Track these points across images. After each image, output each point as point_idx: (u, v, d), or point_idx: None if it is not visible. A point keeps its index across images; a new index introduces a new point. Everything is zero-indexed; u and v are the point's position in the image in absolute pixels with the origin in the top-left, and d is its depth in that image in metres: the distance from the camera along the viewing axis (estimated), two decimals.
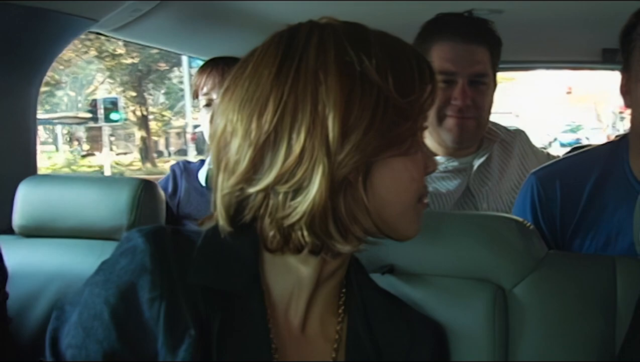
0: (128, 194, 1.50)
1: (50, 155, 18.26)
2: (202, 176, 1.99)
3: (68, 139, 20.45)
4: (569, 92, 20.26)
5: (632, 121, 1.35)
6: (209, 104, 1.89)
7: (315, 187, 0.79)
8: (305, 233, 0.82)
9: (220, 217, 0.86)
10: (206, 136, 1.92)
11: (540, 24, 2.23)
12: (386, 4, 1.92)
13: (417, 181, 0.87)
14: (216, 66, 1.89)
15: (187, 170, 2.03)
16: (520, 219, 1.20)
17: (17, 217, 1.55)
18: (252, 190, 0.82)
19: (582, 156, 1.52)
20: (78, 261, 1.49)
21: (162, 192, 1.59)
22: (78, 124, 19.29)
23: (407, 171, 0.85)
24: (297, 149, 0.79)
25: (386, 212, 0.85)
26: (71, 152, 19.28)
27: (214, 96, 1.87)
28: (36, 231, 1.55)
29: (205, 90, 1.89)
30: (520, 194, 1.54)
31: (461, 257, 1.16)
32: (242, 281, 0.87)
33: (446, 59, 1.63)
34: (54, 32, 1.66)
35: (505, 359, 1.11)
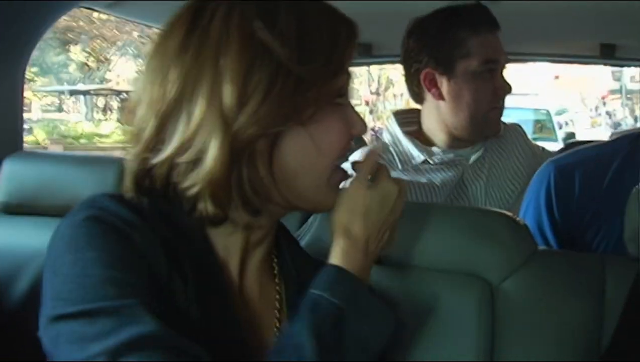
0: (114, 172, 1.48)
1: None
2: None
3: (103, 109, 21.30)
4: (556, 77, 20.93)
5: None
6: None
7: (211, 157, 0.78)
8: (208, 204, 0.81)
9: (127, 183, 0.84)
10: None
11: (537, 16, 2.21)
12: None
13: (327, 151, 0.86)
14: None
15: None
16: (511, 215, 1.19)
17: (1, 194, 1.53)
18: (155, 160, 0.81)
19: (601, 149, 1.49)
20: None
21: None
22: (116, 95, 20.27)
23: (313, 141, 0.84)
24: (196, 119, 0.79)
25: (296, 183, 0.85)
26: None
27: None
28: (20, 209, 1.52)
29: None
30: (534, 183, 1.52)
31: (450, 250, 1.15)
32: (195, 239, 0.86)
33: (492, 48, 1.65)
34: (42, 9, 1.63)
35: (491, 354, 1.10)
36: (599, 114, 20.15)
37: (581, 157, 1.49)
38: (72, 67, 21.28)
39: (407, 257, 1.16)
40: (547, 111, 10.81)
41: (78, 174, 1.49)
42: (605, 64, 2.96)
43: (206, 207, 0.82)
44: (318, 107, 0.83)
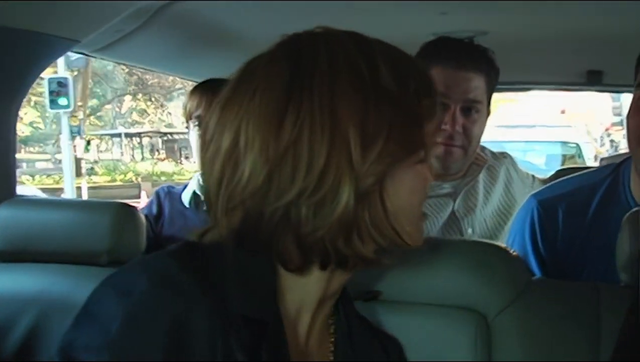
0: (108, 218, 1.48)
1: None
2: (186, 198, 2.01)
3: (149, 149, 22.95)
4: (562, 112, 21.67)
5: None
6: (200, 124, 1.90)
7: (342, 200, 0.78)
8: (331, 247, 0.80)
9: (228, 233, 0.82)
10: (196, 157, 1.95)
11: (524, 46, 2.23)
12: (366, 23, 1.91)
13: (426, 188, 0.87)
14: (209, 88, 1.91)
15: (171, 193, 2.07)
16: (504, 246, 1.19)
17: None
18: (272, 205, 0.79)
19: (582, 179, 1.50)
20: (57, 285, 1.46)
21: (142, 216, 1.58)
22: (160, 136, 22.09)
23: (420, 179, 0.85)
24: (319, 162, 0.77)
25: (401, 220, 0.84)
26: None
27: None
28: (14, 256, 1.52)
29: (198, 112, 1.91)
30: (518, 217, 1.52)
31: (445, 284, 1.15)
32: (266, 305, 0.83)
33: (441, 83, 1.61)
34: (36, 53, 1.64)
35: None
36: (603, 144, 20.74)
37: (563, 190, 1.49)
38: (134, 115, 22.07)
39: (402, 292, 1.16)
40: (577, 145, 10.34)
41: (72, 220, 1.50)
42: (592, 90, 2.99)
43: (327, 249, 0.80)
44: (427, 145, 0.85)
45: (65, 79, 11.20)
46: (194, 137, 1.94)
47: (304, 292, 0.87)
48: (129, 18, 1.73)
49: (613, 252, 1.28)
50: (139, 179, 16.85)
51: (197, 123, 1.91)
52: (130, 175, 18.02)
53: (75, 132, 12.96)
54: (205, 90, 1.92)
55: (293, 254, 0.82)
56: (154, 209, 2.04)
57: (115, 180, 17.45)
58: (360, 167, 0.78)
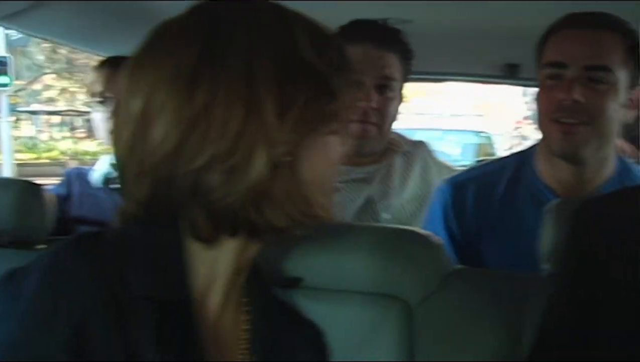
0: (10, 196, 1.40)
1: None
2: (97, 177, 1.97)
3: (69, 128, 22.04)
4: (476, 105, 22.76)
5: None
6: (103, 101, 1.87)
7: (255, 168, 0.76)
8: (241, 215, 0.78)
9: (138, 206, 0.80)
10: (102, 133, 1.91)
11: (445, 36, 2.25)
12: (291, 4, 1.88)
13: (338, 161, 0.87)
14: (112, 64, 1.88)
15: (80, 174, 2.02)
16: (427, 233, 1.18)
17: None
18: (183, 170, 0.76)
19: (492, 165, 1.57)
20: None
21: (49, 196, 1.51)
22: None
23: (336, 149, 0.85)
24: (234, 128, 0.75)
25: (314, 191, 0.83)
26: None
27: (109, 94, 1.86)
28: None
29: (99, 88, 1.88)
30: (433, 202, 1.56)
31: (367, 272, 1.13)
32: (173, 284, 0.80)
33: (356, 61, 1.59)
34: None
35: None
36: (515, 137, 21.63)
37: (474, 174, 1.56)
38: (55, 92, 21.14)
39: (324, 280, 1.13)
40: (489, 135, 10.69)
41: None
42: (509, 84, 3.06)
43: (238, 216, 0.78)
44: (344, 116, 0.84)
45: (5, 57, 11.27)
46: (97, 115, 1.90)
47: (214, 265, 0.84)
48: None
49: (522, 233, 1.32)
50: (66, 157, 16.29)
51: (100, 100, 1.88)
52: (55, 153, 17.52)
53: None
54: (108, 66, 1.89)
55: (202, 223, 0.79)
56: (63, 190, 1.98)
57: (41, 157, 16.97)
58: (274, 135, 0.77)
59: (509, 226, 1.42)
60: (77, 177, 2.00)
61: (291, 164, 0.79)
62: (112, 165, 1.89)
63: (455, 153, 9.43)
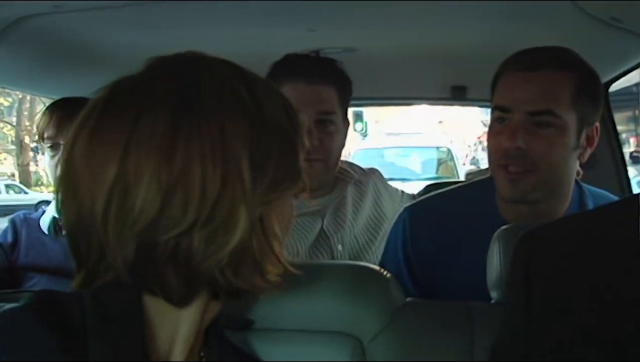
0: None
1: None
2: (44, 224, 1.91)
3: None
4: (440, 122, 23.96)
5: None
6: (53, 147, 1.81)
7: (238, 230, 0.76)
8: (220, 277, 0.77)
9: (124, 271, 0.76)
10: (51, 179, 1.86)
11: (392, 62, 2.27)
12: (235, 38, 1.88)
13: (292, 217, 0.88)
14: (64, 108, 1.83)
15: (27, 220, 1.95)
16: (377, 268, 1.18)
17: None
18: (163, 237, 0.74)
19: (452, 194, 1.54)
20: None
21: None
22: None
23: (291, 201, 0.86)
24: (213, 192, 0.74)
25: (278, 244, 0.83)
26: None
27: (61, 141, 1.77)
28: None
29: (50, 133, 1.82)
30: (392, 230, 1.54)
31: (319, 310, 1.13)
32: (132, 350, 0.77)
33: (293, 99, 1.56)
34: None
35: None
36: (477, 150, 22.76)
37: (433, 202, 1.54)
38: None
39: (277, 320, 1.12)
40: (448, 149, 10.77)
41: None
42: (457, 105, 3.10)
43: (218, 279, 0.77)
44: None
45: None
46: (47, 159, 1.85)
47: (177, 326, 0.83)
48: None
49: (479, 264, 1.32)
50: None
51: (49, 144, 1.83)
52: None
53: None
54: (56, 109, 1.85)
55: (176, 286, 0.77)
56: (9, 237, 1.91)
57: None
58: (252, 197, 0.77)
59: (465, 257, 1.39)
60: (24, 223, 1.94)
61: (263, 222, 0.79)
62: (59, 211, 1.84)
63: (417, 169, 9.69)
